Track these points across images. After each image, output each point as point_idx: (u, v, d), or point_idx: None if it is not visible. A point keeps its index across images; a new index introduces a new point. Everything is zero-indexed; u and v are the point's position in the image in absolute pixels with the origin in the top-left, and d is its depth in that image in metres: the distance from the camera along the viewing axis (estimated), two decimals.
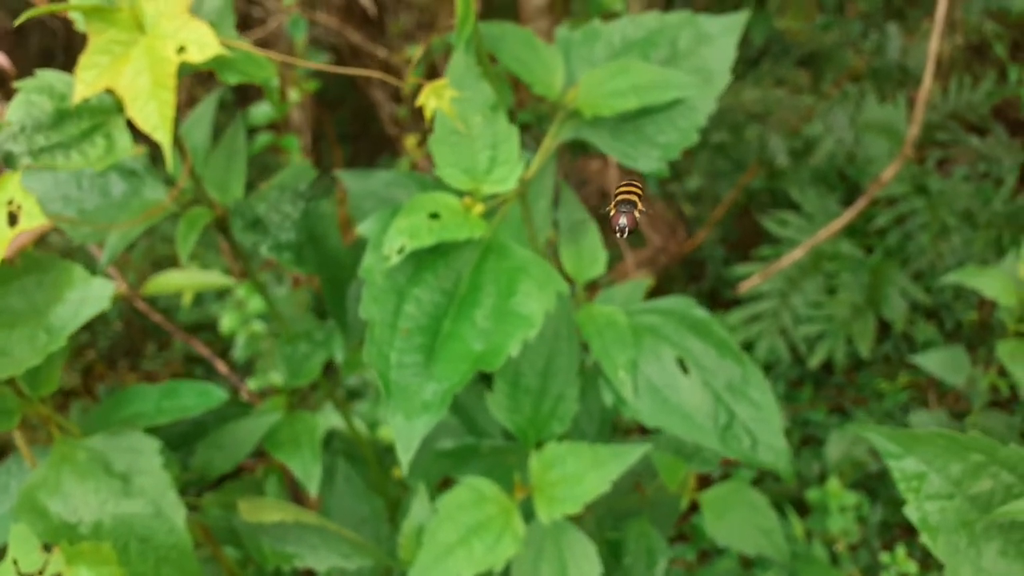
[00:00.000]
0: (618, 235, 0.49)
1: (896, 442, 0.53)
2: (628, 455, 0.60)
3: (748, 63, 2.39)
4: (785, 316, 2.06)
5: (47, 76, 0.53)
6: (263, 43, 2.06)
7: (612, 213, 0.49)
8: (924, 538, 0.52)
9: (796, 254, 1.90)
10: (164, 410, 0.58)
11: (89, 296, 0.50)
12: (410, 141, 2.18)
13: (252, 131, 1.95)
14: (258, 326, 1.49)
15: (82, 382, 2.08)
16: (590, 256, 0.68)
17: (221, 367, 1.01)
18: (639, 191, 0.51)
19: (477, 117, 0.55)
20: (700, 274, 2.33)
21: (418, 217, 0.53)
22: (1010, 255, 1.40)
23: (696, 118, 0.64)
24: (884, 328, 2.04)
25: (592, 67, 0.65)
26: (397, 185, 0.72)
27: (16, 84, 0.53)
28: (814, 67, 2.33)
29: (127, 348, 2.05)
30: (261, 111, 1.74)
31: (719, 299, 2.23)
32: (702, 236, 2.25)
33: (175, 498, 0.57)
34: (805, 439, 1.86)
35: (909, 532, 1.54)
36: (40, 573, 0.55)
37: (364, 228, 0.54)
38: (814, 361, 1.93)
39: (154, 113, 0.50)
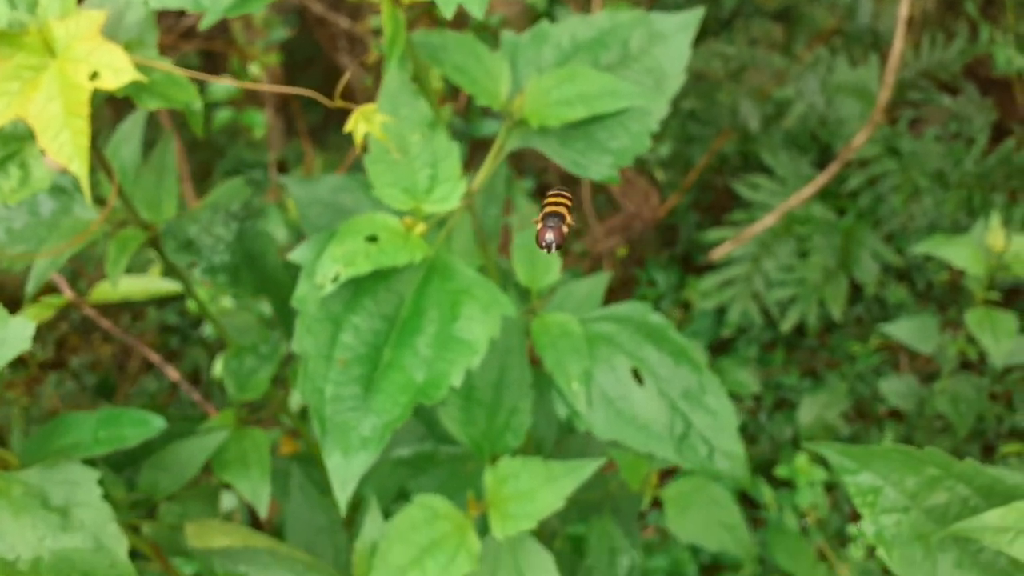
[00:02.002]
0: (544, 251, 0.46)
1: (851, 458, 0.53)
2: (582, 471, 0.59)
3: (720, 23, 2.35)
4: (757, 280, 2.06)
5: None
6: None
7: (539, 227, 0.47)
8: (880, 552, 0.52)
9: (768, 220, 1.89)
10: (102, 440, 0.56)
11: (8, 337, 0.48)
12: None
13: (214, 105, 1.90)
14: (228, 302, 1.47)
15: (55, 355, 2.06)
16: (544, 264, 0.66)
17: (172, 373, 0.99)
18: (568, 202, 0.48)
19: (415, 135, 0.53)
20: (673, 239, 2.32)
21: (354, 241, 0.51)
22: (979, 223, 1.39)
23: (648, 122, 0.62)
24: (856, 290, 2.04)
25: (540, 72, 0.62)
26: (344, 190, 0.70)
27: None
28: (787, 26, 2.29)
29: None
30: (221, 86, 1.70)
31: (691, 264, 2.22)
32: (674, 201, 2.23)
33: (116, 531, 0.55)
34: (778, 403, 1.87)
35: None
36: None
37: (297, 255, 0.52)
38: (786, 325, 1.93)
39: (68, 143, 0.47)
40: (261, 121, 1.82)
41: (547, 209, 0.46)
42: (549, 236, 0.45)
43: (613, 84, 0.59)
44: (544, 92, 0.60)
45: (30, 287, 0.58)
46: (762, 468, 1.60)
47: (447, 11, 0.43)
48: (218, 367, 1.35)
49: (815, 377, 1.86)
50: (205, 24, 0.46)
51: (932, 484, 0.52)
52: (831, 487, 1.49)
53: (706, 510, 0.76)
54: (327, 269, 0.49)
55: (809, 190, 1.86)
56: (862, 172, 2.05)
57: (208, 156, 2.34)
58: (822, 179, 1.85)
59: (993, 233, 1.37)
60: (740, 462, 0.62)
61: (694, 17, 0.63)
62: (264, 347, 0.67)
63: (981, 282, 1.38)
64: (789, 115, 2.16)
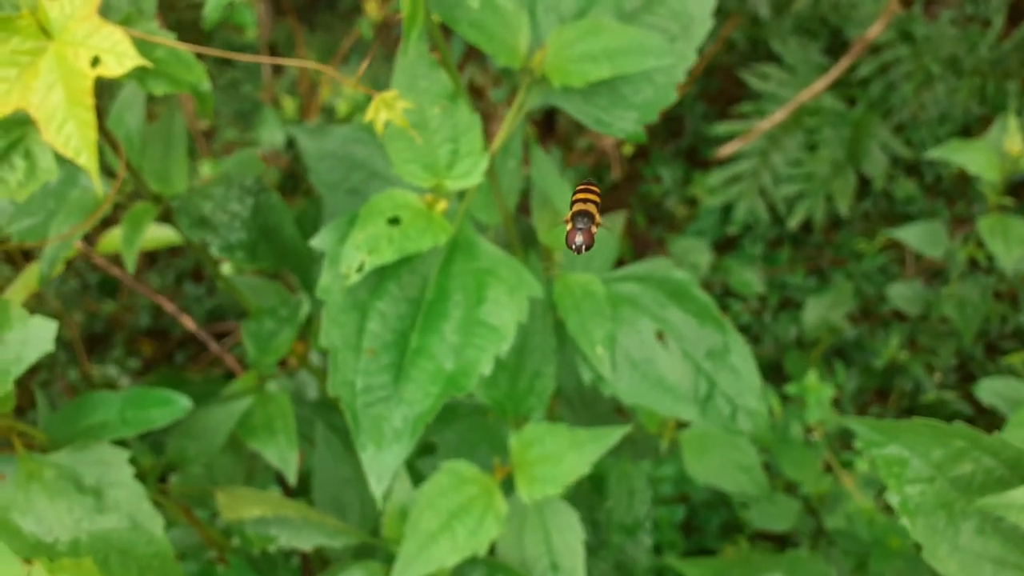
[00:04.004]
0: (575, 252, 0.45)
1: (879, 431, 0.53)
2: (607, 438, 0.59)
3: None
4: (765, 176, 2.03)
5: None
6: None
7: (568, 229, 0.45)
8: (903, 521, 0.53)
9: (778, 116, 1.85)
10: (129, 421, 0.56)
11: (30, 337, 0.47)
12: (370, 4, 2.06)
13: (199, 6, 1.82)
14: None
15: None
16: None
17: (188, 322, 0.99)
18: (596, 198, 0.46)
19: (434, 109, 0.50)
20: (679, 131, 2.28)
21: (376, 225, 0.49)
22: (996, 124, 1.36)
23: (675, 73, 0.59)
24: (864, 185, 2.02)
25: (561, 21, 0.59)
26: (356, 142, 0.67)
27: None
28: None
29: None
30: None
31: (698, 158, 2.18)
32: (682, 92, 2.17)
33: (150, 509, 0.56)
34: (783, 302, 1.87)
35: (882, 398, 1.58)
36: None
37: (319, 242, 0.50)
38: (793, 221, 1.92)
39: (74, 135, 0.44)
40: (252, 20, 1.75)
41: (575, 208, 0.44)
42: (579, 239, 0.44)
43: (639, 39, 0.56)
44: (567, 45, 0.57)
45: (44, 268, 0.56)
46: (767, 370, 1.63)
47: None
48: (227, 266, 1.33)
49: (821, 276, 1.86)
50: (210, 11, 0.43)
51: (958, 456, 0.52)
52: (839, 386, 1.52)
53: (723, 452, 0.77)
54: (351, 258, 0.48)
55: (821, 84, 1.81)
56: (873, 59, 1.99)
57: (195, 39, 2.26)
58: (834, 72, 1.80)
59: (1011, 137, 1.34)
60: (762, 420, 0.63)
61: None
62: (283, 309, 0.66)
63: (996, 188, 1.36)
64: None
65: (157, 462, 0.64)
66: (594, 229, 0.44)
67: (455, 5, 0.54)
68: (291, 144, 1.90)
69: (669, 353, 0.62)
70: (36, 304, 1.86)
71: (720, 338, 0.63)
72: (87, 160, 0.45)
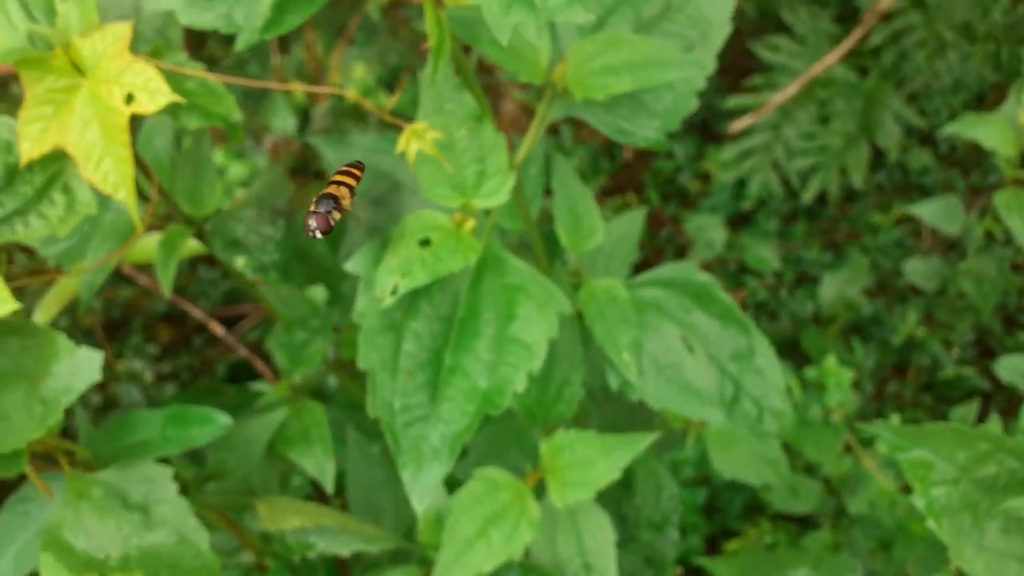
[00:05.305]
0: (309, 236, 0.44)
1: (905, 437, 0.54)
2: (635, 443, 0.60)
3: None
4: (778, 149, 2.03)
5: None
6: None
7: (308, 210, 0.45)
8: (929, 523, 0.54)
9: (791, 90, 1.84)
10: (170, 439, 0.57)
11: (78, 368, 0.49)
12: None
13: None
14: (241, 193, 1.47)
15: None
16: (588, 225, 0.65)
17: (217, 328, 1.00)
18: (353, 182, 0.46)
19: (461, 131, 0.51)
20: None
21: (408, 248, 0.50)
22: (1011, 98, 1.35)
23: (695, 81, 0.59)
24: (878, 156, 2.01)
25: (580, 33, 0.59)
26: (379, 151, 0.68)
27: None
28: None
29: None
30: None
31: (710, 132, 2.17)
32: None
33: (196, 524, 0.58)
34: (799, 278, 1.88)
35: (900, 374, 1.59)
36: None
37: (353, 265, 0.51)
38: (808, 195, 1.91)
39: (112, 171, 0.45)
40: None
41: (324, 189, 0.45)
42: (312, 223, 0.44)
43: (660, 52, 0.56)
44: (587, 60, 0.57)
45: (83, 294, 0.57)
46: (784, 348, 1.63)
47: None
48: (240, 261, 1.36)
49: (836, 250, 1.86)
50: (240, 47, 0.43)
51: (982, 458, 0.53)
52: (857, 364, 1.53)
53: (748, 446, 0.78)
54: (385, 282, 0.49)
55: (833, 56, 1.80)
56: (885, 27, 1.98)
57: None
58: (846, 44, 1.78)
59: None
60: (788, 420, 0.64)
61: None
62: (314, 320, 0.68)
63: (1012, 162, 1.35)
64: None
65: (198, 474, 0.66)
66: (336, 215, 0.44)
67: (476, 24, 0.54)
68: (302, 128, 1.91)
69: (694, 357, 0.63)
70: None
71: (744, 340, 0.64)
72: (125, 195, 0.46)
